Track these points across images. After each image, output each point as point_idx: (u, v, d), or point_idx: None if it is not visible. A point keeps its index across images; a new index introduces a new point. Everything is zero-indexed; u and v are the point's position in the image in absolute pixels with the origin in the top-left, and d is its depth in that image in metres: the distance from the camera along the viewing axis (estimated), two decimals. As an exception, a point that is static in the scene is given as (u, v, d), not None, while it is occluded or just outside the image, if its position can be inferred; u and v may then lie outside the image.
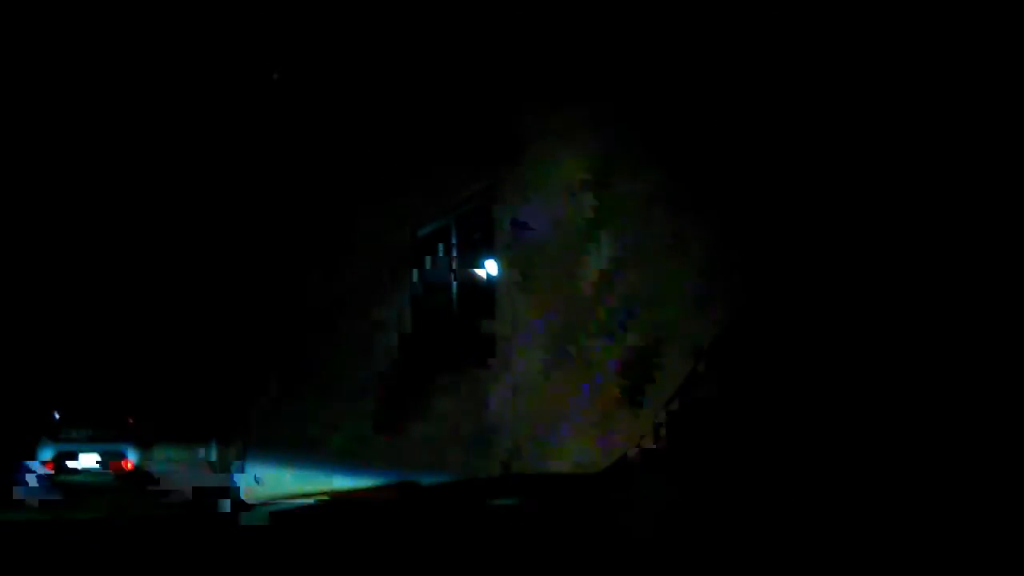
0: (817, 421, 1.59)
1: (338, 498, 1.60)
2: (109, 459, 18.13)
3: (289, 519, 1.73)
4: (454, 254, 6.40)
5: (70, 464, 17.65)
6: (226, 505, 6.47)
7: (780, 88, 3.30)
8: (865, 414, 1.48)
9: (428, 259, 6.89)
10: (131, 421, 19.56)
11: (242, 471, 11.75)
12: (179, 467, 21.44)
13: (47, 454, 17.20)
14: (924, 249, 1.40)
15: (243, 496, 10.97)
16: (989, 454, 1.19)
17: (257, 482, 10.54)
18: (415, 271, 7.03)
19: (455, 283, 6.38)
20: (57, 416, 18.37)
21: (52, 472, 16.80)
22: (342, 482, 4.49)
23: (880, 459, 1.40)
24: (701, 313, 3.48)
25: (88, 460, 18.13)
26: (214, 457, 22.22)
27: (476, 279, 6.09)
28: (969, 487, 1.20)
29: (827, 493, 1.47)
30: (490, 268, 5.73)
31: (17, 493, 15.91)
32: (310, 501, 1.67)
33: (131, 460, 18.30)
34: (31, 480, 16.53)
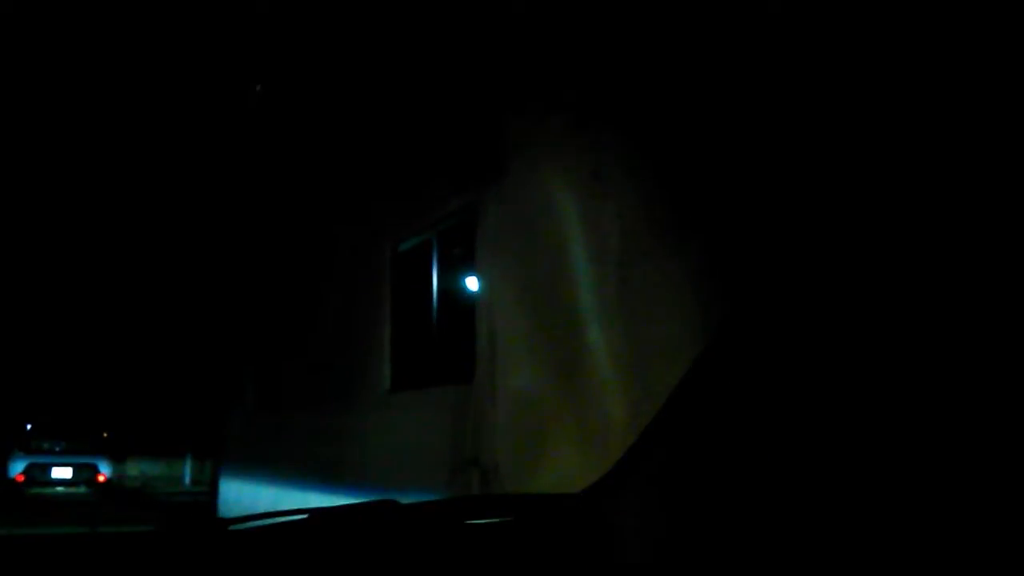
0: (810, 432, 1.58)
1: (317, 516, 1.59)
2: (82, 472, 17.94)
3: (268, 537, 1.71)
4: (435, 269, 6.39)
5: (42, 477, 17.43)
6: (202, 521, 6.38)
7: (770, 95, 3.32)
8: (860, 422, 1.48)
9: (409, 274, 6.87)
10: (105, 435, 19.37)
11: (217, 486, 11.64)
12: (154, 481, 21.25)
13: (19, 467, 16.96)
14: (916, 253, 1.41)
15: (219, 512, 10.85)
16: (986, 458, 1.20)
17: (233, 496, 10.44)
18: (395, 286, 7.01)
19: (436, 299, 6.36)
20: (29, 428, 18.13)
21: (24, 484, 16.55)
22: (319, 499, 4.45)
23: (873, 464, 1.40)
24: (695, 323, 3.49)
25: (61, 473, 17.93)
26: (189, 472, 22.04)
27: (458, 295, 6.08)
28: (970, 503, 1.20)
29: (822, 507, 1.46)
30: (472, 284, 5.72)
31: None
32: (289, 518, 1.65)
33: (104, 473, 18.09)
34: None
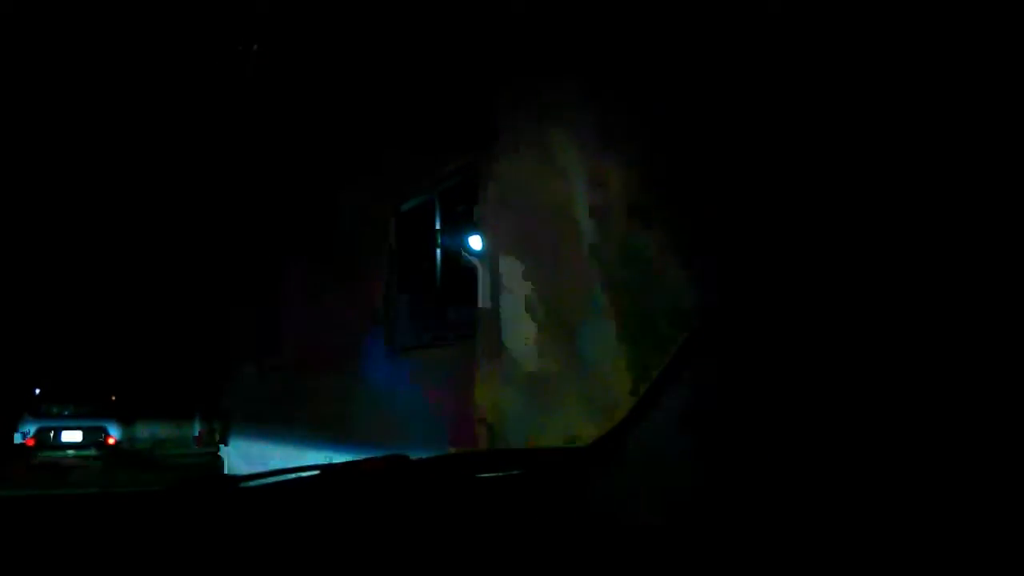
0: (803, 394, 1.59)
1: (327, 471, 1.61)
2: (92, 435, 18.08)
3: (280, 493, 1.73)
4: (438, 228, 6.37)
5: (52, 441, 17.58)
6: (213, 479, 6.41)
7: (769, 64, 3.29)
8: (849, 396, 1.49)
9: (412, 234, 6.86)
10: (113, 398, 19.49)
11: (227, 445, 11.73)
12: (163, 443, 21.45)
13: (29, 431, 17.10)
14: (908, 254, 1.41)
15: (228, 471, 10.96)
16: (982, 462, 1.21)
17: (242, 455, 10.54)
18: (399, 247, 7.01)
19: (439, 258, 6.36)
20: (38, 393, 18.26)
21: (34, 448, 16.71)
22: (327, 457, 4.51)
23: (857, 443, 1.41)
24: (697, 283, 3.49)
25: (70, 436, 18.08)
26: (197, 432, 22.21)
27: (461, 254, 6.07)
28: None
29: (816, 466, 1.47)
30: (475, 243, 5.71)
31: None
32: (300, 475, 1.67)
33: (114, 436, 18.24)
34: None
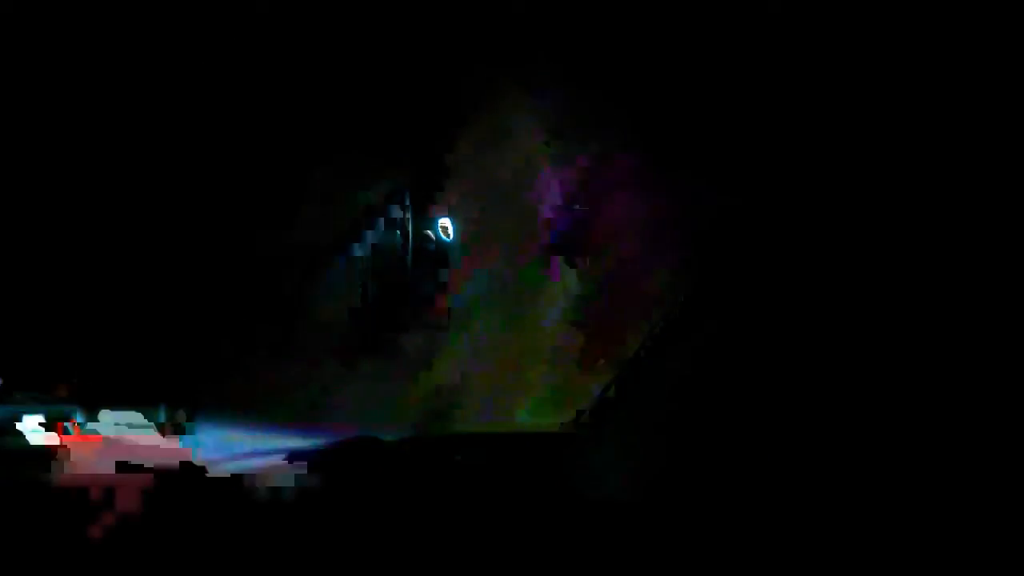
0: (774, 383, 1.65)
1: (297, 455, 1.61)
2: (53, 421, 17.76)
3: (248, 478, 1.73)
4: (408, 215, 6.35)
5: (11, 427, 17.24)
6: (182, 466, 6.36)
7: (744, 53, 3.32)
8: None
9: (381, 219, 6.83)
10: (76, 382, 19.16)
11: (194, 432, 11.55)
12: (128, 429, 21.13)
13: (-13, 416, 16.74)
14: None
15: (196, 458, 10.82)
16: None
17: (210, 442, 10.41)
18: (368, 231, 6.97)
19: (409, 244, 6.34)
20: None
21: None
22: (299, 442, 4.52)
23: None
24: (660, 272, 3.52)
25: (31, 423, 17.73)
26: (163, 419, 21.89)
27: (430, 239, 6.06)
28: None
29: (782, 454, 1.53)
30: (445, 229, 5.71)
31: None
32: (269, 460, 1.67)
33: (76, 421, 17.94)
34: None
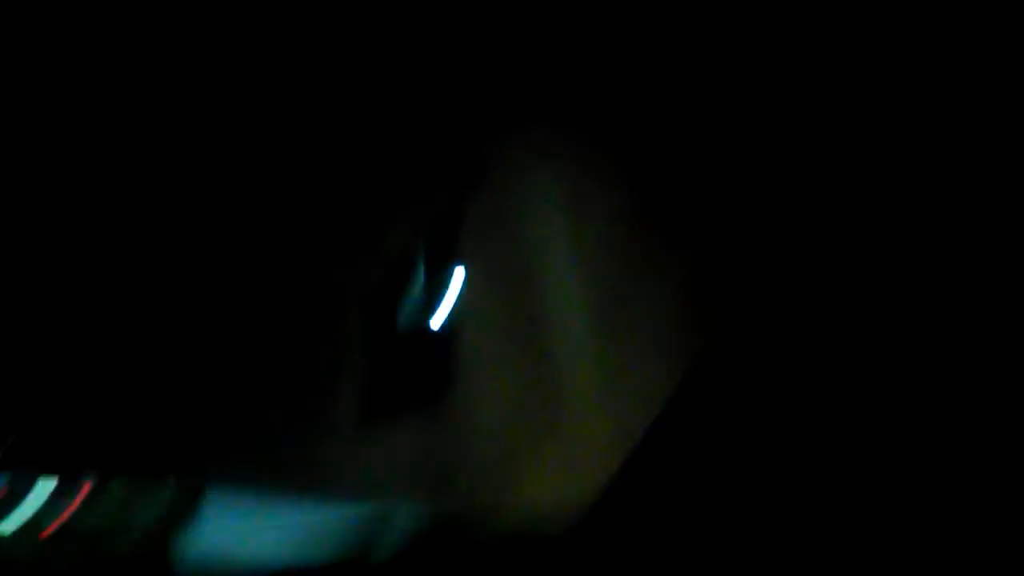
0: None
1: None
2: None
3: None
4: (421, 274, 6.23)
5: None
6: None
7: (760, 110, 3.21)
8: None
9: (392, 279, 6.71)
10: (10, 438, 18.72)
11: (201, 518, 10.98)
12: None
13: None
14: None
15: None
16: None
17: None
18: (377, 292, 6.84)
19: (420, 305, 6.21)
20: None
21: None
22: (296, 516, 4.33)
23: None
24: (676, 338, 3.39)
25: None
26: (171, 494, 21.31)
27: (443, 302, 5.94)
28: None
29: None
30: (456, 290, 5.60)
31: None
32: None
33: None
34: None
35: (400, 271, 6.55)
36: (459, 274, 5.48)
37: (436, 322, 5.95)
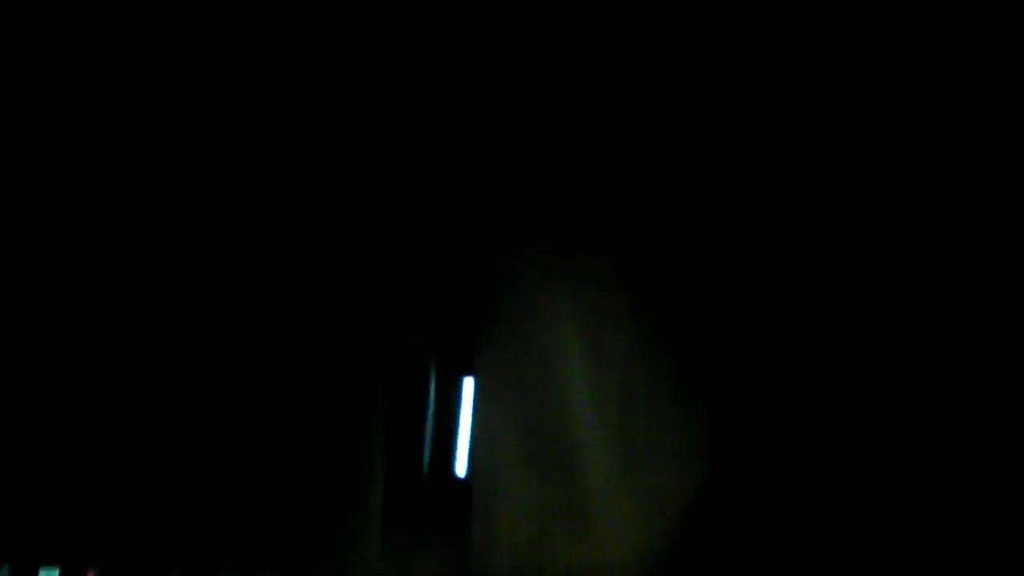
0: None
1: None
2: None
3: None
4: (431, 399, 6.23)
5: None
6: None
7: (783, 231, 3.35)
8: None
9: (401, 416, 6.69)
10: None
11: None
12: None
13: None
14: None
15: None
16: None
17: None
18: (387, 427, 6.80)
19: (432, 431, 6.18)
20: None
21: None
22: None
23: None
24: (693, 472, 3.41)
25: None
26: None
27: (455, 426, 5.93)
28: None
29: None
30: (468, 414, 5.61)
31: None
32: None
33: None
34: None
35: (414, 386, 6.52)
36: (470, 385, 5.51)
37: (460, 469, 5.89)
